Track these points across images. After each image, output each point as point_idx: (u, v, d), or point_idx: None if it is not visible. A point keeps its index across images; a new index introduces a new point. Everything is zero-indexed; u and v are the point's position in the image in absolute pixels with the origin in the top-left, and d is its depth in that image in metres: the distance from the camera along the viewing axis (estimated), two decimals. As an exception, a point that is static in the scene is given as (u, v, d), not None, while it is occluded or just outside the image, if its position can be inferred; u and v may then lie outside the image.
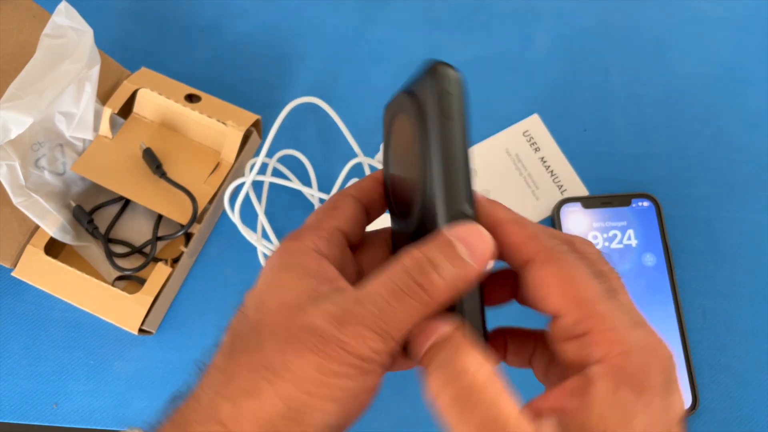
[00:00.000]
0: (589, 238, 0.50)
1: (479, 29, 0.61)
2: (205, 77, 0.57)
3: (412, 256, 0.21)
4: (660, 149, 0.56)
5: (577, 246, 0.23)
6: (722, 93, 0.58)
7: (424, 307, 0.21)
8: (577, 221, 0.51)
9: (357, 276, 0.26)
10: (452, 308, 0.22)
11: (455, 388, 0.20)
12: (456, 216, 0.22)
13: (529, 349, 0.26)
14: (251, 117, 0.51)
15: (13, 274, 0.47)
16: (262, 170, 0.52)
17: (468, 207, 0.22)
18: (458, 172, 0.22)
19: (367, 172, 0.53)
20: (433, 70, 0.23)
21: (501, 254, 0.23)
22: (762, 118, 0.57)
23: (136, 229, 0.52)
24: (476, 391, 0.19)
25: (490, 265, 0.22)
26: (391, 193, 0.27)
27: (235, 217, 0.50)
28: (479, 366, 0.20)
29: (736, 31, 0.60)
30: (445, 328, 0.21)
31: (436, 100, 0.22)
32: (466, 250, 0.21)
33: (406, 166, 0.25)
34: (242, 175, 0.53)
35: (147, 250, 0.50)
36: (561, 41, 0.60)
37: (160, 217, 0.51)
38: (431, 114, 0.22)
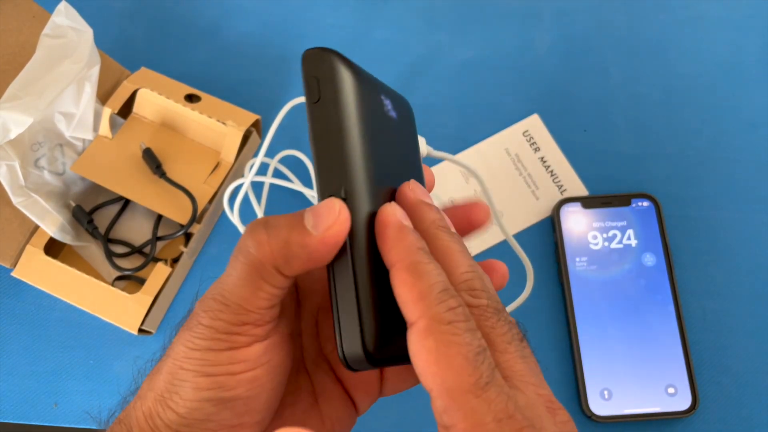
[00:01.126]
0: (589, 238, 0.50)
1: (479, 29, 0.60)
2: (205, 77, 0.57)
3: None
4: (660, 149, 0.56)
5: (468, 297, 0.21)
6: (722, 93, 0.58)
7: (260, 273, 0.21)
8: (577, 221, 0.51)
9: None
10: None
11: None
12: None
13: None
14: (251, 117, 0.51)
15: (12, 274, 0.47)
16: (263, 170, 0.52)
17: (341, 190, 0.22)
18: (327, 156, 0.22)
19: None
20: (303, 57, 0.23)
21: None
22: (762, 118, 0.57)
23: (135, 229, 0.52)
24: None
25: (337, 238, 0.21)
26: None
27: (234, 217, 0.50)
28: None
29: (736, 31, 0.60)
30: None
31: (304, 87, 0.23)
32: (312, 220, 0.21)
33: None
34: (242, 175, 0.53)
35: (147, 250, 0.50)
36: (561, 41, 0.60)
37: (159, 217, 0.51)
38: (306, 101, 0.23)
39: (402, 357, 0.22)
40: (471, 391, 0.19)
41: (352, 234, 0.22)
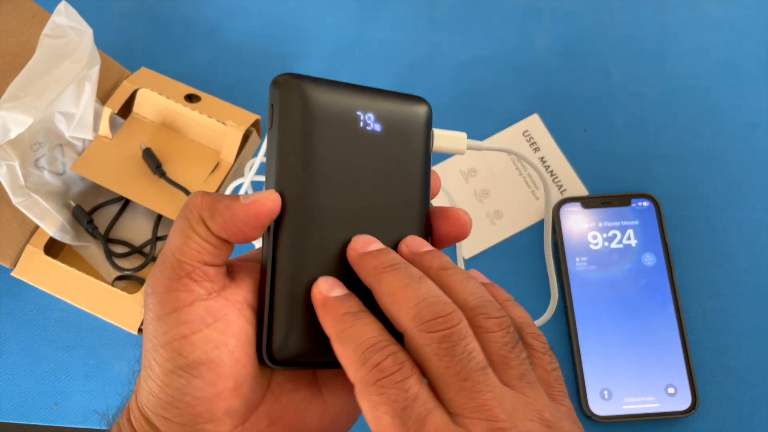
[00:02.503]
0: (589, 238, 0.50)
1: (479, 29, 0.61)
2: (205, 77, 0.57)
3: None
4: (660, 149, 0.56)
5: (481, 321, 0.21)
6: (722, 93, 0.58)
7: (189, 221, 0.23)
8: (577, 221, 0.51)
9: None
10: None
11: None
12: None
13: None
14: (251, 117, 0.51)
15: (12, 274, 0.47)
16: (263, 170, 0.52)
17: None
18: (269, 174, 0.24)
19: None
20: (270, 84, 0.24)
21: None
22: (762, 118, 0.57)
23: (135, 229, 0.52)
24: None
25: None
26: None
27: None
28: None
29: (736, 31, 0.60)
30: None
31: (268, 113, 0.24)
32: (247, 198, 0.23)
33: None
34: (242, 175, 0.53)
35: (147, 250, 0.50)
36: (561, 41, 0.60)
37: (159, 217, 0.51)
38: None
39: (313, 363, 0.24)
40: None
41: (278, 232, 0.23)
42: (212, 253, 0.23)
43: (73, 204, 0.50)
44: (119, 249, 0.51)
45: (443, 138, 0.29)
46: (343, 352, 0.21)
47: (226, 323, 0.23)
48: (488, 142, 0.41)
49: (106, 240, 0.50)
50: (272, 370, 0.25)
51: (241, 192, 0.50)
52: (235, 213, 0.23)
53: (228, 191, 0.50)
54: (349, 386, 0.25)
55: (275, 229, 0.24)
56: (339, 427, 0.26)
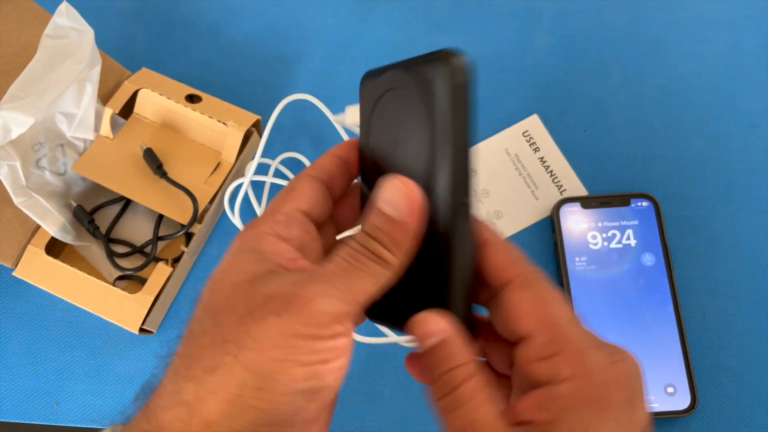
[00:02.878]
0: (588, 238, 0.51)
1: (479, 29, 0.61)
2: (206, 77, 0.58)
3: (358, 235, 0.23)
4: (660, 149, 0.56)
5: None
6: (722, 93, 0.58)
7: (375, 274, 0.23)
8: (576, 221, 0.51)
9: (324, 251, 0.27)
10: (445, 302, 0.23)
11: (447, 398, 0.22)
12: (457, 207, 0.23)
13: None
14: (251, 117, 0.51)
15: (14, 273, 0.47)
16: (264, 171, 0.52)
17: (467, 198, 0.23)
18: (462, 166, 0.23)
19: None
20: (447, 60, 0.23)
21: (483, 275, 0.25)
22: (762, 118, 0.57)
23: (136, 229, 0.52)
24: (462, 400, 0.22)
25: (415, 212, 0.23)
26: (369, 163, 0.28)
27: (235, 218, 0.50)
28: (467, 375, 0.22)
29: (735, 31, 0.60)
30: (437, 327, 0.23)
31: (449, 92, 0.23)
32: (391, 209, 0.23)
33: (399, 145, 0.26)
34: (243, 175, 0.53)
35: (148, 249, 0.51)
36: (561, 41, 0.60)
37: (160, 217, 0.51)
38: (443, 106, 0.23)
39: (393, 323, 0.25)
40: (570, 323, 0.23)
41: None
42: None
43: (74, 204, 0.50)
44: (120, 249, 0.51)
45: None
46: (505, 254, 0.25)
47: (348, 356, 0.22)
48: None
49: (107, 240, 0.50)
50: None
51: (241, 193, 0.50)
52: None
53: (228, 191, 0.50)
54: None
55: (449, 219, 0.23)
56: None
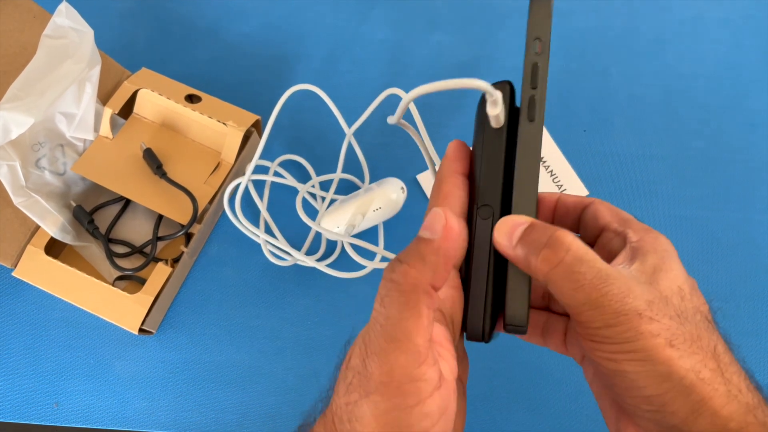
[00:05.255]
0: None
1: (479, 29, 0.61)
2: (206, 78, 0.58)
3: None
4: (660, 149, 0.56)
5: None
6: (722, 93, 0.58)
7: (409, 300, 0.23)
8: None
9: None
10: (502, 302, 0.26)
11: (566, 260, 0.24)
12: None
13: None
14: (251, 117, 0.51)
15: (13, 274, 0.47)
16: (264, 170, 0.52)
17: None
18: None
19: (366, 168, 0.53)
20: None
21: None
22: (762, 118, 0.57)
23: (136, 229, 0.52)
24: (583, 258, 0.24)
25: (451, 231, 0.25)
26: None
27: (233, 218, 0.50)
28: (572, 239, 0.25)
29: (735, 31, 0.60)
30: (520, 220, 0.26)
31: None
32: (427, 232, 0.24)
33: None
34: (243, 174, 0.53)
35: (147, 250, 0.50)
36: (561, 41, 0.60)
37: (160, 217, 0.51)
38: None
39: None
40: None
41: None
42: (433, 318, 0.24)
43: (73, 204, 0.50)
44: (120, 249, 0.51)
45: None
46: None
47: (451, 412, 0.23)
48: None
49: (107, 240, 0.50)
50: None
51: (239, 194, 0.50)
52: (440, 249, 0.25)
53: (227, 191, 0.50)
54: None
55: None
56: None
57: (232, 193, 0.51)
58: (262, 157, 0.50)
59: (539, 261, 0.24)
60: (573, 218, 0.30)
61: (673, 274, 0.26)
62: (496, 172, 0.26)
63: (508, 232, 0.26)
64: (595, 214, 0.29)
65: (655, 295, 0.24)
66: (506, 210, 0.26)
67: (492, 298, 0.26)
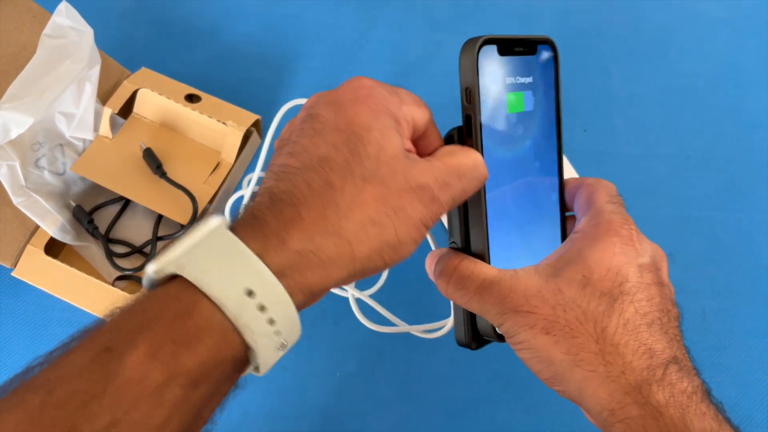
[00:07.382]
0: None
1: (479, 29, 0.60)
2: (206, 77, 0.58)
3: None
4: (660, 149, 0.56)
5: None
6: (722, 93, 0.58)
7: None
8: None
9: None
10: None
11: (452, 282, 0.29)
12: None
13: None
14: (251, 117, 0.51)
15: (13, 274, 0.47)
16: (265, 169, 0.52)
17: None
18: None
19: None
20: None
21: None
22: (762, 118, 0.57)
23: (136, 229, 0.52)
24: (464, 275, 0.28)
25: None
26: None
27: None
28: (458, 262, 0.29)
29: (736, 31, 0.60)
30: (436, 253, 0.31)
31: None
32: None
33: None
34: (242, 175, 0.53)
35: (147, 250, 0.50)
36: (561, 41, 0.60)
37: (160, 217, 0.51)
38: None
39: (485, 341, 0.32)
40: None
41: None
42: None
43: (73, 204, 0.50)
44: (119, 249, 0.51)
45: None
46: None
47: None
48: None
49: (107, 240, 0.50)
50: None
51: (244, 200, 0.50)
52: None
53: (228, 204, 0.50)
54: None
55: None
56: None
57: (233, 205, 0.51)
58: (263, 168, 0.49)
59: (440, 286, 0.29)
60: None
61: (587, 264, 0.27)
62: (460, 214, 0.30)
63: (429, 266, 0.31)
64: (588, 198, 0.32)
65: (543, 288, 0.26)
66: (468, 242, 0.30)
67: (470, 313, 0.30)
